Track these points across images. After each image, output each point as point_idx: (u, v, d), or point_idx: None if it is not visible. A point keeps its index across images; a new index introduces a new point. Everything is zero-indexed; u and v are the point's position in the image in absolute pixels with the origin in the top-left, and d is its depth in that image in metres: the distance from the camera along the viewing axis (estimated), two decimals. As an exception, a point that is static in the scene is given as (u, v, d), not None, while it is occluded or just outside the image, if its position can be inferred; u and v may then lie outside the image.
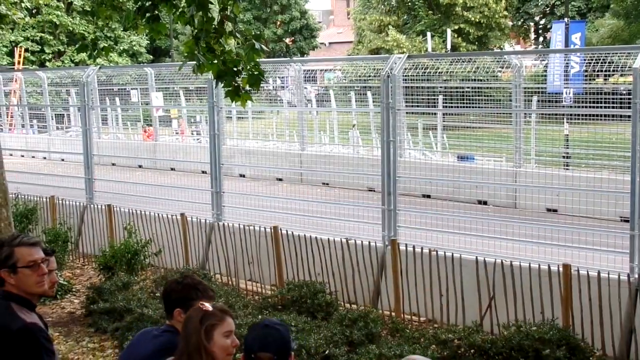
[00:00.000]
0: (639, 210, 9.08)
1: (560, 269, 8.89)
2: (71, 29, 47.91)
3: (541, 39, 52.11)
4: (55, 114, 26.62)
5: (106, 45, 9.00)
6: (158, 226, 13.21)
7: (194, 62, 7.00)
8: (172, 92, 22.56)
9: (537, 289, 9.15)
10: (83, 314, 10.95)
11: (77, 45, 8.81)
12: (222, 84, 7.15)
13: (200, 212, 13.37)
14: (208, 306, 3.64)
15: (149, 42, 51.91)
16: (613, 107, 13.77)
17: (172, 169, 19.33)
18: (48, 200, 14.95)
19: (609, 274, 8.88)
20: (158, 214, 13.35)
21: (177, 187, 15.20)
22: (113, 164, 19.70)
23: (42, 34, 48.70)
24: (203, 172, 15.65)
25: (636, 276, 8.99)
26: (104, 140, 22.68)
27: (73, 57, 47.24)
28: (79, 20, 48.28)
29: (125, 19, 8.05)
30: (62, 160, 20.84)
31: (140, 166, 20.08)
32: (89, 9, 9.05)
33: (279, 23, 62.82)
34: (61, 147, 22.17)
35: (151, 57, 55.06)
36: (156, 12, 7.34)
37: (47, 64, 47.82)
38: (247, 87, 7.12)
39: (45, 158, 23.07)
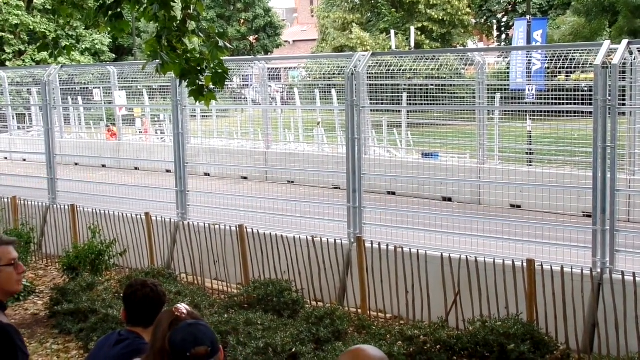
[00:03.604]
0: (601, 206, 9.19)
1: (524, 264, 8.97)
2: (32, 27, 47.30)
3: (504, 36, 52.53)
4: (16, 114, 26.27)
5: (68, 44, 8.89)
6: (122, 226, 13.12)
7: (157, 61, 6.95)
8: (135, 91, 22.40)
9: (502, 284, 9.22)
10: (47, 316, 10.83)
11: (38, 44, 8.72)
12: (186, 84, 7.10)
13: (165, 211, 13.29)
14: (183, 310, 3.58)
15: (111, 40, 51.41)
16: (575, 104, 13.91)
17: (136, 168, 19.20)
18: (10, 201, 14.77)
19: (572, 268, 8.98)
20: (122, 214, 13.25)
21: (141, 187, 15.10)
22: (76, 164, 19.51)
23: (3, 34, 48.02)
24: (167, 171, 15.57)
25: (599, 270, 9.11)
26: (66, 140, 22.43)
27: (34, 57, 46.65)
28: (39, 19, 47.71)
29: (86, 17, 7.98)
30: (24, 160, 20.63)
31: (103, 166, 19.94)
32: (49, 8, 8.98)
33: (242, 21, 62.64)
34: (23, 147, 21.96)
35: (114, 55, 54.54)
36: (119, 9, 7.28)
37: (8, 63, 47.16)
38: (211, 86, 7.08)
39: (6, 158, 22.80)
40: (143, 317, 4.16)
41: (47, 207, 15.03)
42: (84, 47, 49.79)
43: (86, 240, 12.20)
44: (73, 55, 45.61)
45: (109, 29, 7.50)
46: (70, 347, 9.64)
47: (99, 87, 22.90)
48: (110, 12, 7.22)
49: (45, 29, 45.36)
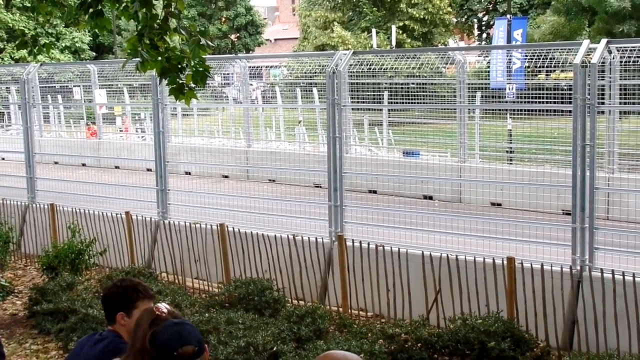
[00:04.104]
0: (580, 203, 9.24)
1: (505, 262, 9.01)
2: (11, 25, 46.89)
3: (484, 35, 52.70)
4: (-5, 112, 26.08)
5: (47, 41, 8.86)
6: (103, 225, 13.05)
7: (138, 59, 6.93)
8: (116, 89, 22.26)
9: (482, 282, 9.26)
10: (26, 316, 10.76)
11: (16, 42, 8.66)
12: (167, 82, 7.08)
13: (146, 210, 13.25)
14: (163, 309, 3.57)
15: (91, 38, 51.15)
16: (555, 103, 13.98)
17: (116, 167, 19.11)
18: (-12, 200, 14.68)
19: (551, 266, 9.03)
20: (102, 213, 13.19)
21: (121, 186, 15.05)
22: (56, 163, 19.40)
23: (-19, 31, 47.70)
24: (148, 169, 15.51)
25: (578, 268, 9.16)
26: (46, 139, 22.27)
27: (13, 54, 46.30)
28: (18, 17, 47.36)
29: (67, 14, 7.94)
30: (3, 159, 20.46)
31: (83, 164, 19.81)
32: (29, 5, 8.93)
33: (223, 19, 62.48)
34: (1, 145, 21.75)
35: (94, 53, 54.25)
36: (99, 7, 7.25)
37: (-14, 61, 46.82)
38: (192, 85, 7.06)
39: (-16, 157, 22.60)
40: (105, 314, 4.25)
41: (26, 206, 14.94)
42: (63, 45, 49.48)
43: (66, 239, 12.12)
44: (53, 53, 45.32)
45: (90, 26, 7.46)
46: (50, 347, 9.58)
47: (79, 86, 22.74)
48: (90, 10, 7.19)
49: (24, 26, 44.99)
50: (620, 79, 13.64)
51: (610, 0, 28.17)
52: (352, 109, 16.03)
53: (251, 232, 11.42)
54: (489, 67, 19.70)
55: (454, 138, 16.54)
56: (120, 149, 21.05)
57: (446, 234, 10.81)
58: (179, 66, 6.99)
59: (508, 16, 26.24)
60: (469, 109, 16.19)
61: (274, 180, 16.42)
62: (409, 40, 46.14)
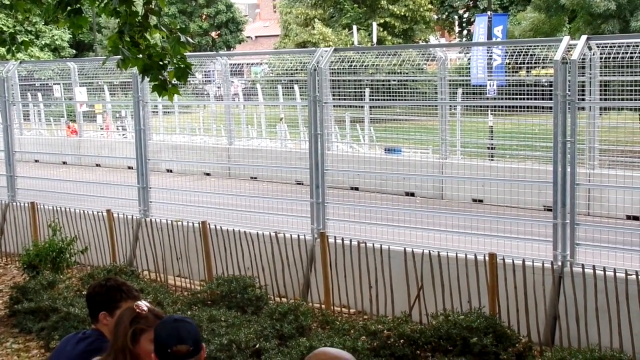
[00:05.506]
0: (561, 199, 9.29)
1: (486, 258, 9.04)
2: (-11, 23, 46.61)
3: (465, 32, 52.84)
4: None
5: (26, 39, 8.81)
6: (84, 223, 12.99)
7: (119, 57, 6.90)
8: (96, 87, 22.19)
9: (464, 278, 9.29)
10: (7, 315, 10.68)
11: (-6, 40, 8.60)
12: (149, 79, 7.06)
13: (127, 208, 13.19)
14: (143, 307, 3.56)
15: (71, 36, 50.86)
16: (535, 99, 14.04)
17: (97, 165, 19.04)
18: (-32, 199, 14.56)
19: (533, 262, 9.07)
20: (83, 211, 13.12)
21: (102, 184, 14.99)
22: (36, 161, 19.30)
23: (-42, 28, 47.28)
24: (129, 167, 15.46)
25: (559, 264, 9.20)
26: (26, 137, 22.17)
27: (-9, 52, 46.00)
28: (-3, 14, 47.07)
29: (45, 12, 7.90)
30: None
31: (64, 162, 19.72)
32: (7, 3, 8.86)
33: (204, 16, 62.35)
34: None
35: (74, 51, 53.98)
36: (78, 5, 7.21)
37: (-35, 59, 46.41)
38: (175, 81, 7.04)
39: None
40: (89, 313, 4.27)
41: (6, 205, 14.84)
42: (43, 42, 49.19)
43: (47, 238, 12.05)
44: (32, 51, 45.06)
45: (68, 24, 7.43)
46: (31, 346, 9.53)
47: (59, 84, 22.65)
48: (69, 8, 7.15)
49: (2, 24, 44.69)
50: (601, 75, 13.72)
51: (596, 1, 28.28)
52: (334, 106, 16.04)
53: (233, 230, 11.39)
54: (469, 63, 19.77)
55: (436, 135, 16.59)
56: (101, 146, 20.98)
57: (428, 231, 10.83)
58: (161, 63, 6.97)
59: (488, 13, 26.34)
60: (450, 106, 16.24)
61: (255, 178, 16.41)
62: (389, 37, 46.19)
